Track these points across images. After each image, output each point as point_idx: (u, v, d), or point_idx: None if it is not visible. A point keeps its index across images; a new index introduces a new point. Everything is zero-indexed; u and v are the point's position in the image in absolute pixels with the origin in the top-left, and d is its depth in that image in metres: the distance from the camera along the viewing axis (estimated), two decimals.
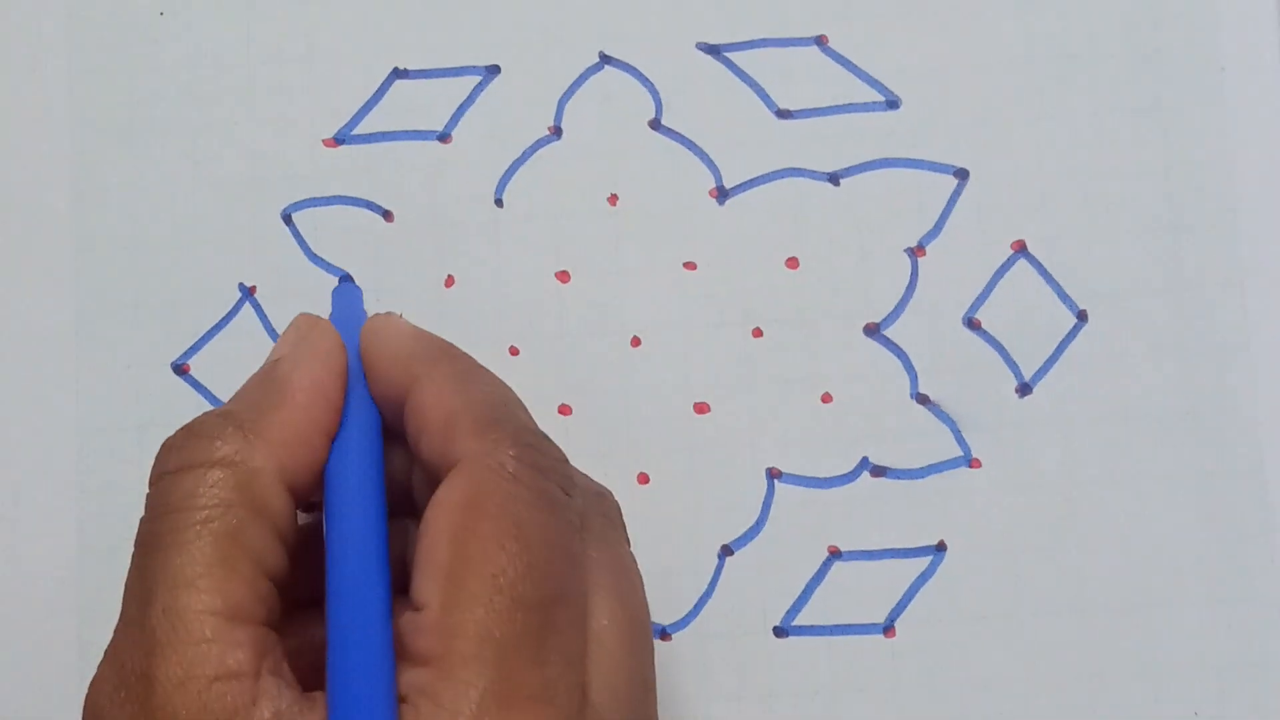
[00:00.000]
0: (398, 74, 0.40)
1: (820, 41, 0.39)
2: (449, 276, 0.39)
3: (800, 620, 0.38)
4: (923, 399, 0.38)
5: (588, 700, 0.29)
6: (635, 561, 0.32)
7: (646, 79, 0.40)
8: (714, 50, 0.40)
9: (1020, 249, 0.39)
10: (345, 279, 0.39)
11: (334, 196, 0.39)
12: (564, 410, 0.38)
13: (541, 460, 0.30)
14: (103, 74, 0.40)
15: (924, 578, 0.38)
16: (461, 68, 0.40)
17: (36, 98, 0.40)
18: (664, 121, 0.39)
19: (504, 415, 0.31)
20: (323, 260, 0.39)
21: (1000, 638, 0.37)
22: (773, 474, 0.38)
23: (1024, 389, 0.38)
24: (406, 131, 0.40)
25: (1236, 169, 0.39)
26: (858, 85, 0.39)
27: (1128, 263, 0.38)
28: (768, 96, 0.39)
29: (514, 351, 0.39)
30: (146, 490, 0.30)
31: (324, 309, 0.39)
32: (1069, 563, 0.38)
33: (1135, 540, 0.38)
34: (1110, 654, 0.37)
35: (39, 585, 0.38)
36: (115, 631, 0.29)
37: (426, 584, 0.28)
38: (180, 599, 0.28)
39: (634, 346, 0.39)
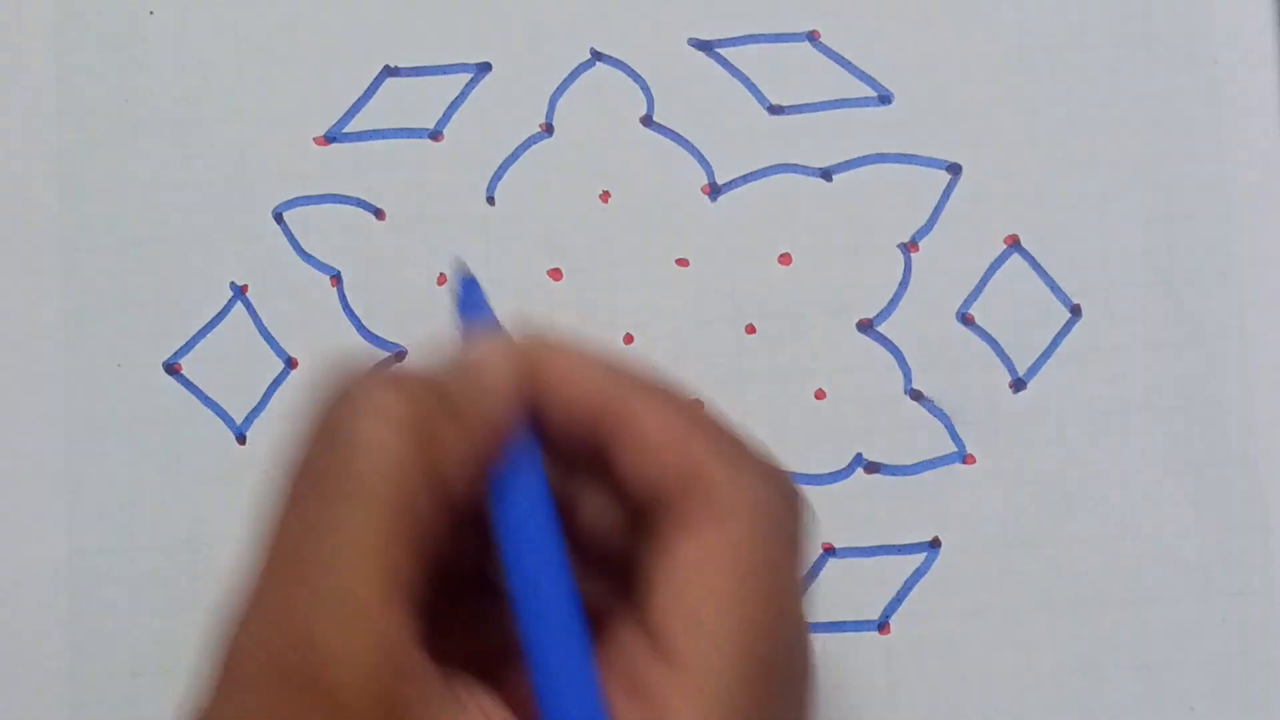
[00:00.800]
0: (389, 72, 0.40)
1: (812, 37, 0.39)
2: (441, 274, 0.39)
3: None
4: (916, 395, 0.38)
5: None
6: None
7: (638, 75, 0.39)
8: (705, 46, 0.39)
9: (1013, 244, 0.39)
10: (471, 283, 0.32)
11: (325, 195, 0.39)
12: None
13: (788, 486, 0.28)
14: (92, 72, 0.40)
15: (918, 574, 0.38)
16: (452, 65, 0.40)
17: (26, 96, 0.40)
18: (656, 118, 0.39)
19: (743, 446, 0.28)
20: (314, 258, 0.39)
21: (995, 633, 0.37)
22: None
23: (1018, 384, 0.38)
24: (398, 129, 0.39)
25: (1230, 161, 0.39)
26: (850, 80, 0.39)
27: (1121, 257, 0.38)
28: (759, 92, 0.39)
29: None
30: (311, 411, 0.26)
31: (315, 306, 0.39)
32: (1063, 558, 0.37)
33: (1129, 535, 0.37)
34: (1105, 649, 0.37)
35: (29, 585, 0.38)
36: (264, 574, 0.25)
37: (680, 637, 0.26)
38: (357, 565, 0.24)
39: (626, 343, 0.39)
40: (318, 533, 0.25)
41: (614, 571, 0.29)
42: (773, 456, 0.28)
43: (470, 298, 0.31)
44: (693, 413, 0.28)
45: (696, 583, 0.26)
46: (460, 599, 0.29)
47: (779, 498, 0.27)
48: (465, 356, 0.28)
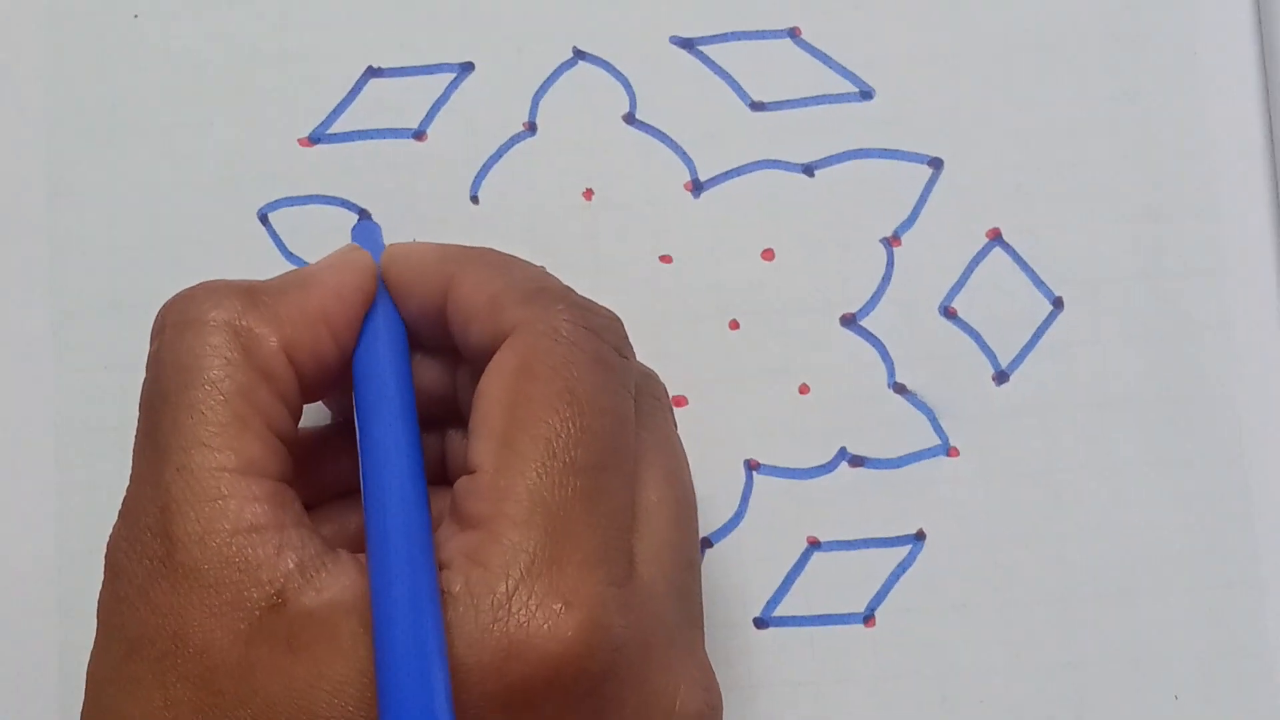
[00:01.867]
0: (372, 72, 0.40)
1: (793, 33, 0.40)
2: (364, 213, 0.39)
3: (780, 611, 0.38)
4: (900, 388, 0.38)
5: (635, 570, 0.29)
6: (682, 444, 0.32)
7: (620, 73, 0.40)
8: (687, 44, 0.40)
9: (995, 237, 0.39)
10: (364, 215, 0.39)
11: (310, 196, 0.39)
12: None
13: (594, 320, 0.30)
14: (78, 75, 0.40)
15: (903, 567, 0.38)
16: (436, 65, 0.40)
17: (12, 99, 0.40)
18: (638, 115, 0.39)
19: (551, 284, 0.31)
20: (300, 259, 0.39)
21: (980, 626, 0.37)
22: (751, 466, 0.38)
23: (1001, 377, 0.38)
24: (382, 130, 0.40)
25: (1212, 154, 0.39)
26: (831, 76, 0.39)
27: (1103, 249, 0.38)
28: (742, 89, 0.39)
29: None
30: (147, 349, 0.30)
31: None
32: (1048, 550, 0.38)
33: (1114, 526, 0.38)
34: (1090, 640, 0.37)
35: (18, 586, 0.38)
36: (128, 491, 0.29)
37: (480, 447, 0.28)
38: (194, 457, 0.28)
39: None
40: (161, 438, 0.28)
41: None
42: (581, 296, 0.31)
43: (362, 228, 0.35)
44: (505, 269, 0.31)
45: (485, 395, 0.29)
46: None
47: (573, 320, 0.29)
48: (312, 264, 0.33)
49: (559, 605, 0.26)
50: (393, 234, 0.39)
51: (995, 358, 0.38)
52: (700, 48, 0.40)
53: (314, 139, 0.40)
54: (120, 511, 0.29)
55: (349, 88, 0.40)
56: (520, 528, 0.27)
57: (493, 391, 0.29)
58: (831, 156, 0.39)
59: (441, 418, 0.33)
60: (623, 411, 0.29)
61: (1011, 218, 0.39)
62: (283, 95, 0.40)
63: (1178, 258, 0.38)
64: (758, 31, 0.40)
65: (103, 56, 0.40)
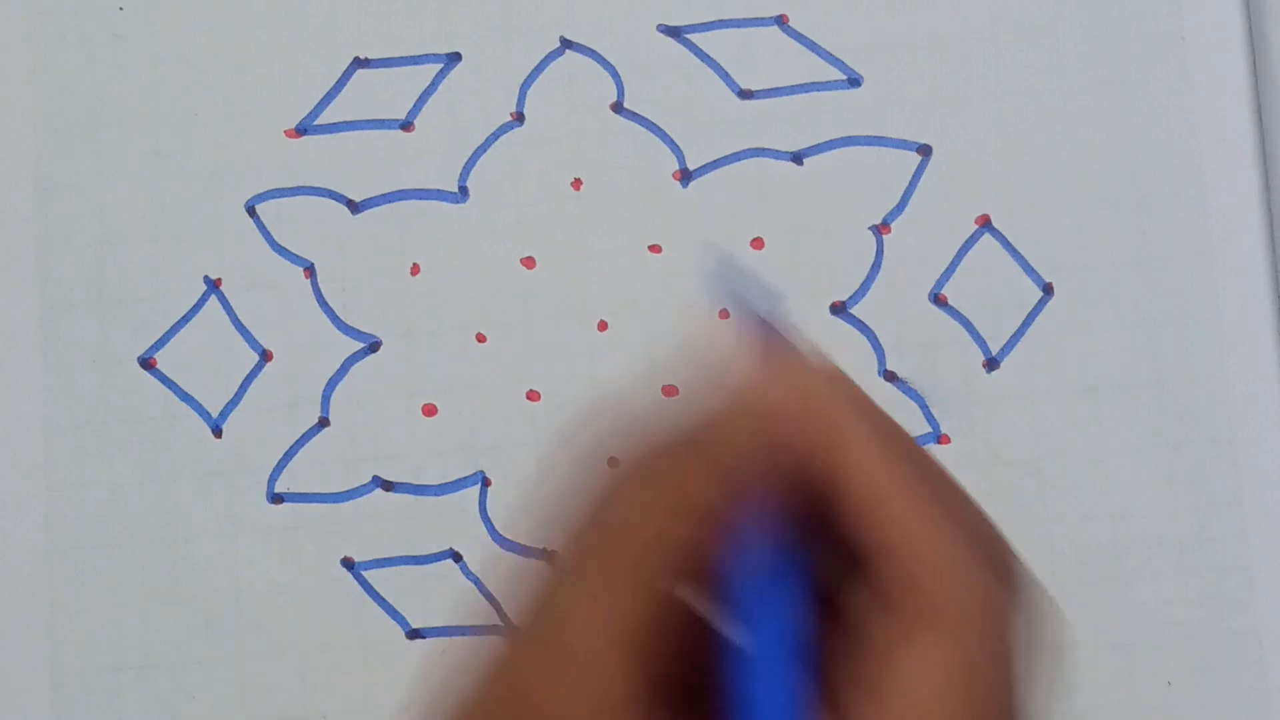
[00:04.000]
0: (359, 63, 0.40)
1: (781, 21, 0.39)
2: (414, 264, 0.39)
3: None
4: (890, 376, 0.38)
5: None
6: None
7: (608, 62, 0.39)
8: (675, 32, 0.39)
9: (985, 224, 0.39)
10: (771, 294, 0.28)
11: (297, 187, 0.39)
12: (532, 396, 0.38)
13: (1021, 581, 0.25)
14: (64, 70, 0.40)
15: None
16: (422, 56, 0.40)
17: None
18: (626, 105, 0.39)
19: (968, 517, 0.26)
20: (287, 251, 0.39)
21: None
22: None
23: (991, 364, 0.38)
24: (368, 121, 0.39)
25: (1200, 139, 0.39)
26: (819, 64, 0.39)
27: (1093, 235, 0.38)
28: (729, 77, 0.39)
29: (481, 338, 0.39)
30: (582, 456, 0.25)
31: (289, 299, 0.39)
32: (1039, 536, 0.38)
33: (1105, 512, 0.38)
34: (1082, 626, 0.37)
35: (8, 581, 0.38)
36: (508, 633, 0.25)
37: None
38: (582, 626, 0.24)
39: (601, 331, 0.39)
40: (560, 601, 0.24)
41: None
42: (995, 527, 0.26)
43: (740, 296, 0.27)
44: (912, 466, 0.25)
45: (918, 701, 0.24)
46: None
47: (1011, 597, 0.25)
48: (742, 395, 0.26)
49: None
50: (381, 226, 0.39)
51: (985, 344, 0.38)
52: (688, 36, 0.39)
53: (301, 130, 0.39)
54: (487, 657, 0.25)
55: (336, 79, 0.40)
56: None
57: (922, 687, 0.23)
58: (820, 144, 0.39)
59: None
60: None
61: (1001, 204, 0.39)
62: (269, 87, 0.40)
63: (1166, 243, 0.38)
64: (745, 20, 0.39)
65: (89, 50, 0.40)
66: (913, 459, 0.26)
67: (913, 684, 0.24)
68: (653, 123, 0.39)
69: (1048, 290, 0.38)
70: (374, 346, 0.39)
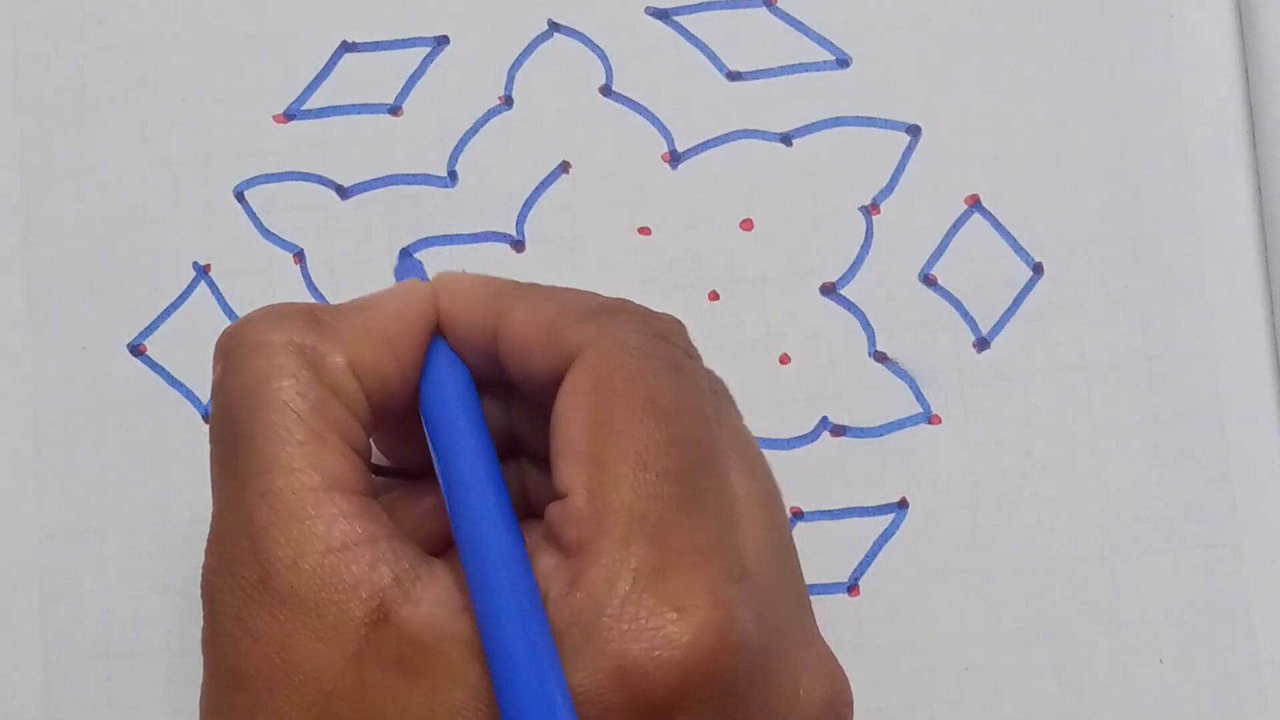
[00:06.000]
0: (346, 47, 0.40)
1: (768, 3, 0.39)
2: (405, 250, 0.39)
3: None
4: (881, 357, 0.38)
5: (745, 566, 0.28)
6: (749, 431, 0.32)
7: (596, 45, 0.39)
8: (663, 14, 0.39)
9: (974, 203, 0.39)
10: (405, 253, 0.38)
11: (286, 172, 0.39)
12: None
13: (660, 326, 0.29)
14: (49, 56, 0.40)
15: (886, 536, 0.38)
16: (410, 39, 0.40)
17: None
18: (615, 87, 0.39)
19: (606, 300, 0.30)
20: (276, 237, 0.39)
21: (964, 593, 0.37)
22: None
23: (981, 344, 0.38)
24: (357, 105, 0.39)
25: (1188, 115, 0.39)
26: (807, 45, 0.39)
27: (1082, 214, 0.38)
28: (718, 59, 0.39)
29: None
30: (212, 370, 0.30)
31: (278, 284, 0.39)
32: (1031, 516, 0.38)
33: (1096, 491, 0.38)
34: (1074, 605, 0.37)
35: (1, 570, 0.38)
36: (213, 523, 0.28)
37: (569, 471, 0.27)
38: (276, 480, 0.27)
39: None
40: (239, 463, 0.28)
41: None
42: (639, 306, 0.30)
43: (404, 265, 0.34)
44: (555, 295, 0.30)
45: (564, 418, 0.28)
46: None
47: (638, 329, 0.29)
48: (371, 294, 0.31)
49: (672, 614, 0.26)
50: (370, 211, 0.39)
51: (976, 324, 0.38)
52: (676, 18, 0.39)
53: (289, 115, 0.39)
54: (207, 544, 0.28)
55: (324, 63, 0.40)
56: (620, 545, 0.26)
57: (571, 413, 0.28)
58: (809, 125, 0.39)
59: (501, 452, 0.31)
60: (704, 412, 0.29)
61: (990, 184, 0.39)
62: (257, 72, 0.39)
63: (1156, 221, 0.38)
64: (733, 1, 0.39)
65: (73, 35, 0.40)
66: (547, 294, 0.31)
67: (562, 404, 0.28)
68: (641, 105, 0.39)
69: (1037, 270, 0.38)
70: None
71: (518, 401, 0.32)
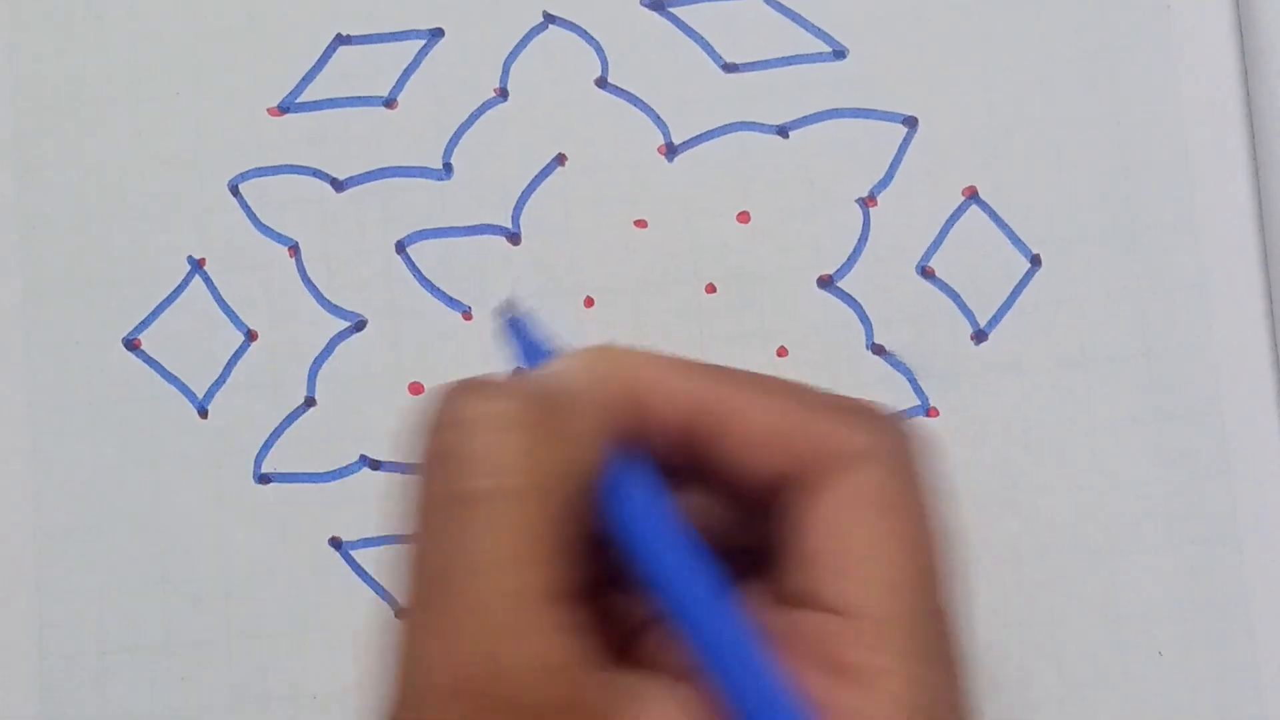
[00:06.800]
0: (341, 40, 0.39)
1: None
2: (400, 243, 0.39)
3: None
4: (878, 349, 0.38)
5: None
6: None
7: (592, 37, 0.39)
8: (658, 6, 0.39)
9: (972, 195, 0.38)
10: (508, 308, 0.31)
11: (281, 166, 0.39)
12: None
13: (922, 444, 0.28)
14: (42, 50, 0.40)
15: None
16: (405, 31, 0.39)
17: None
18: (611, 79, 0.39)
19: (858, 403, 0.28)
20: (271, 230, 0.39)
21: (962, 586, 0.37)
22: None
23: (979, 336, 0.38)
24: (351, 98, 0.39)
25: (1186, 109, 0.38)
26: (804, 36, 0.39)
27: (1080, 206, 0.38)
28: (714, 51, 0.39)
29: (468, 317, 0.38)
30: (423, 441, 0.26)
31: (274, 278, 0.39)
32: (1029, 508, 0.37)
33: (1095, 484, 0.37)
34: (1072, 598, 0.37)
35: None
36: (422, 602, 0.25)
37: (853, 590, 0.26)
38: (509, 571, 0.24)
39: (587, 307, 0.38)
40: (463, 550, 0.25)
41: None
42: (877, 404, 0.28)
43: (523, 337, 0.30)
44: (788, 390, 0.28)
45: (850, 529, 0.26)
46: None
47: (900, 438, 0.27)
48: (557, 369, 0.28)
49: None
50: (365, 204, 0.39)
51: (973, 317, 0.38)
52: (671, 10, 0.39)
53: (283, 108, 0.39)
54: (410, 631, 0.25)
55: (318, 56, 0.39)
56: (916, 685, 0.25)
57: (851, 528, 0.26)
58: (806, 117, 0.39)
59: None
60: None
61: (987, 176, 0.38)
62: (251, 65, 0.39)
63: (1154, 213, 0.38)
64: None
65: (68, 29, 0.40)
66: (776, 389, 0.28)
67: (840, 513, 0.26)
68: (637, 97, 0.39)
69: (1035, 262, 0.38)
70: (360, 325, 0.39)
71: (718, 493, 0.29)
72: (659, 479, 0.27)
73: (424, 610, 0.25)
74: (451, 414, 0.26)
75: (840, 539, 0.26)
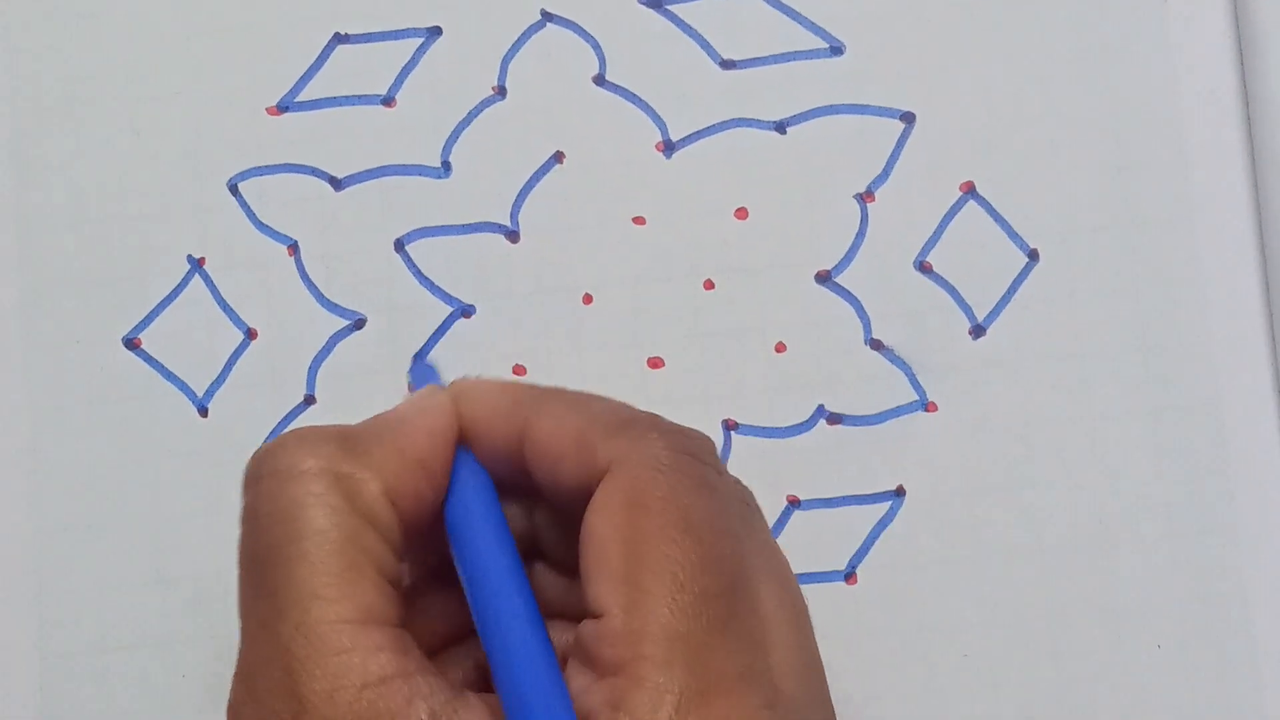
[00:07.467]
0: (339, 39, 0.39)
1: None
2: (399, 241, 0.39)
3: None
4: (876, 345, 0.38)
5: (778, 687, 0.28)
6: (778, 545, 0.32)
7: (589, 35, 0.39)
8: (656, 3, 0.39)
9: (969, 190, 0.39)
10: (419, 358, 0.38)
11: (279, 165, 0.39)
12: (518, 370, 0.38)
13: (690, 444, 0.29)
14: (42, 49, 0.40)
15: (883, 523, 0.38)
16: (403, 30, 0.39)
17: None
18: (608, 77, 0.39)
19: (635, 414, 0.29)
20: (270, 229, 0.39)
21: (961, 580, 0.37)
22: (729, 426, 0.38)
23: (977, 331, 0.38)
24: (350, 97, 0.39)
25: (1182, 104, 0.39)
26: (801, 33, 0.39)
27: (1077, 200, 0.38)
28: (711, 47, 0.39)
29: (467, 314, 0.39)
30: (242, 497, 0.29)
31: (273, 277, 0.39)
32: (1027, 502, 0.38)
33: (1092, 478, 0.38)
34: (1071, 592, 0.37)
35: None
36: (241, 651, 0.28)
37: (604, 590, 0.27)
38: (312, 612, 0.27)
39: (586, 304, 0.38)
40: (273, 593, 0.27)
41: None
42: (651, 415, 0.29)
43: (419, 371, 0.34)
44: (582, 404, 0.30)
45: (597, 535, 0.28)
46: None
47: (656, 444, 0.28)
48: (396, 407, 0.31)
49: None
50: (364, 202, 0.39)
51: (971, 311, 0.38)
52: (669, 7, 0.39)
53: (282, 107, 0.39)
54: (236, 674, 0.28)
55: (316, 55, 0.39)
56: (662, 668, 0.26)
57: (604, 531, 0.28)
58: (803, 113, 0.39)
59: (522, 554, 0.31)
60: (735, 530, 0.29)
61: (985, 171, 0.39)
62: (249, 64, 0.39)
63: (1151, 208, 0.38)
64: None
65: (67, 28, 0.40)
66: (573, 403, 0.30)
67: (593, 521, 0.28)
68: (635, 95, 0.39)
69: (1033, 256, 0.38)
70: (359, 323, 0.39)
71: (541, 506, 0.31)
72: (490, 497, 0.30)
73: (242, 655, 0.28)
74: (256, 471, 0.28)
75: (594, 544, 0.28)
